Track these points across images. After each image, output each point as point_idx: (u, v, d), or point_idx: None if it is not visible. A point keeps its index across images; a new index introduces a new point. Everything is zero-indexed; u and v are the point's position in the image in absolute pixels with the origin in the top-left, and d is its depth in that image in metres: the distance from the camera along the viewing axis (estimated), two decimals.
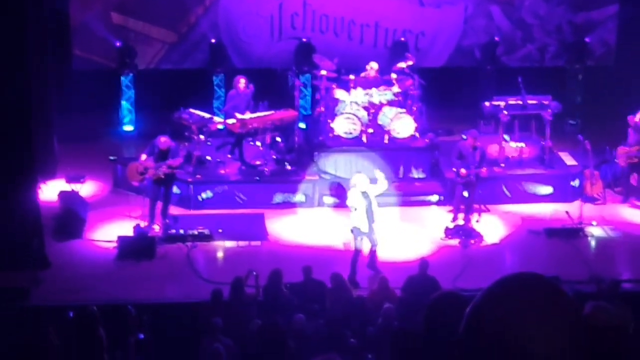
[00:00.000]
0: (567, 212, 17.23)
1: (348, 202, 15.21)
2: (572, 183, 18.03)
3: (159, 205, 16.34)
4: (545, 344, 2.58)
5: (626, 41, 21.92)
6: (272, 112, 18.10)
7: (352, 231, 15.02)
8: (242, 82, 18.28)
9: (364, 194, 14.84)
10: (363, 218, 14.83)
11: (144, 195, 16.38)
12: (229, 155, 18.33)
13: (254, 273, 13.41)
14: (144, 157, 16.24)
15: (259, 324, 11.83)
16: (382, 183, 15.29)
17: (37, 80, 16.71)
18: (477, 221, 16.81)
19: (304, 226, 16.98)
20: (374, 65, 18.78)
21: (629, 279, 14.66)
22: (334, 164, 18.26)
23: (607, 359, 5.27)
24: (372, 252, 15.15)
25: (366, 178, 15.10)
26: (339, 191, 17.47)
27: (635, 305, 12.26)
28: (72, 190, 17.63)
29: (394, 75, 18.79)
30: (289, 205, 17.71)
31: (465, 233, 16.33)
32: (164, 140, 16.18)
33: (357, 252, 15.01)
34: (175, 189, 17.55)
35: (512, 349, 2.59)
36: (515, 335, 2.58)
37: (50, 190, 17.65)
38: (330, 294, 13.21)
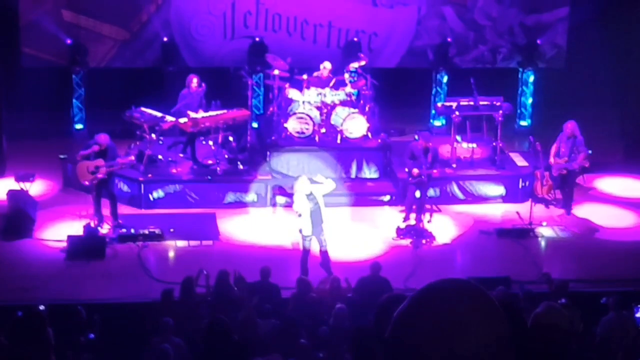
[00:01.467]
0: (517, 213, 17.37)
1: (294, 207, 15.21)
2: (521, 183, 18.16)
3: (106, 204, 16.21)
4: (470, 349, 2.58)
5: (577, 43, 22.12)
6: (225, 111, 18.05)
7: (300, 232, 15.01)
8: (194, 81, 18.20)
9: (309, 196, 14.77)
10: (308, 221, 14.75)
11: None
12: (181, 155, 18.26)
13: (205, 272, 13.36)
14: (83, 156, 16.09)
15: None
16: (328, 184, 15.25)
17: None
18: (429, 221, 16.88)
19: (256, 226, 16.94)
20: (327, 65, 18.78)
21: (577, 279, 14.78)
22: (286, 164, 18.25)
23: (554, 358, 5.31)
24: (323, 253, 15.09)
25: (307, 181, 14.96)
26: (281, 192, 17.50)
27: (584, 305, 12.39)
28: (22, 189, 17.43)
29: (346, 75, 18.82)
30: (240, 204, 17.67)
31: (417, 233, 16.39)
32: (104, 138, 16.06)
33: (306, 252, 14.97)
34: (125, 188, 17.45)
35: (436, 354, 2.59)
36: (440, 341, 2.58)
37: None
38: (295, 298, 13.16)
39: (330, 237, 15.21)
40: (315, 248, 15.11)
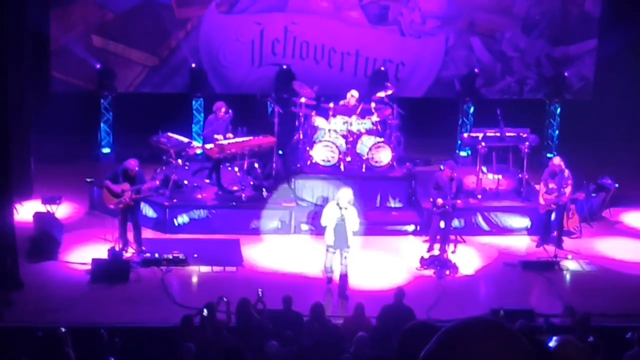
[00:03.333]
0: (543, 246, 17.29)
1: (322, 220, 15.52)
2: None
3: (131, 229, 16.27)
4: None
5: (604, 76, 22.09)
6: (251, 137, 18.10)
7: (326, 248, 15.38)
8: (222, 110, 18.26)
9: (341, 210, 15.07)
10: (331, 232, 15.15)
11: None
12: (207, 180, 18.31)
13: (225, 299, 13.34)
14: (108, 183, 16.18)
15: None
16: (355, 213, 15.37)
17: (15, 100, 16.65)
18: (453, 252, 16.81)
19: (280, 253, 16.94)
20: (354, 94, 18.82)
21: (602, 313, 14.66)
22: (311, 191, 18.25)
23: None
24: (342, 277, 15.24)
25: (350, 195, 15.25)
26: (316, 220, 17.46)
27: (609, 340, 12.28)
28: (48, 211, 17.54)
29: (373, 105, 18.84)
30: (264, 231, 17.66)
31: (440, 263, 16.32)
32: (134, 163, 16.14)
33: (328, 270, 15.48)
34: (151, 213, 17.52)
35: None
36: None
37: (25, 211, 17.56)
38: (309, 323, 13.13)
39: (352, 259, 15.35)
40: (336, 272, 15.26)
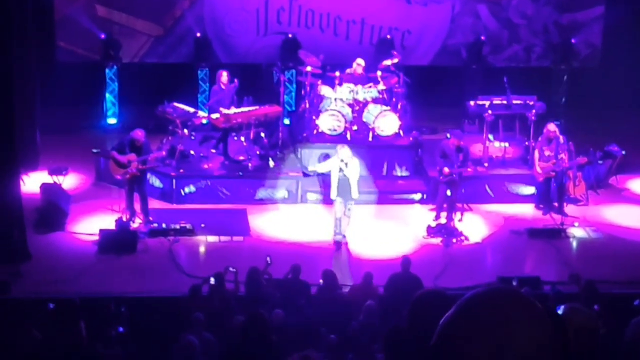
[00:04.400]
0: (550, 213, 17.28)
1: (322, 168, 16.37)
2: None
3: (137, 200, 16.29)
4: (521, 355, 2.57)
5: (611, 43, 21.99)
6: (257, 107, 18.07)
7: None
8: (224, 75, 18.21)
9: (342, 165, 15.64)
10: (334, 185, 15.74)
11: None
12: (213, 150, 18.30)
13: (232, 269, 13.37)
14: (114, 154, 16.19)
15: (242, 319, 11.78)
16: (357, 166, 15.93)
17: (20, 72, 16.61)
18: (460, 220, 16.81)
19: (287, 222, 16.96)
20: (360, 62, 18.75)
21: (609, 280, 14.66)
22: (317, 161, 18.23)
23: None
24: (346, 217, 16.02)
25: (349, 151, 15.78)
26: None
27: (615, 307, 12.30)
28: (55, 182, 17.55)
29: (379, 73, 18.78)
30: (271, 201, 17.69)
31: (447, 232, 16.33)
32: (141, 134, 16.13)
33: (337, 220, 15.96)
34: (157, 183, 17.53)
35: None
36: (490, 347, 2.58)
37: (32, 183, 17.58)
38: (320, 290, 13.17)
39: (355, 210, 16.03)
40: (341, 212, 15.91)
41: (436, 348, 2.69)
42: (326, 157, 17.33)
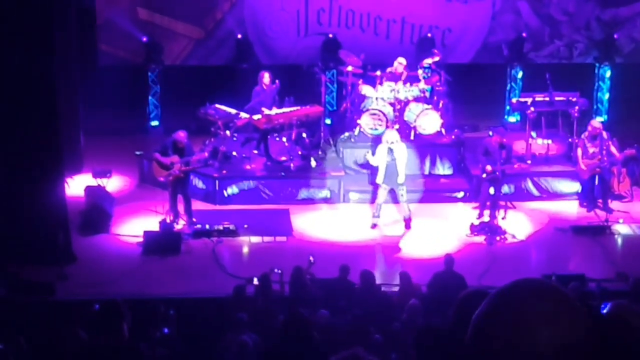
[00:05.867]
0: (594, 210, 17.14)
1: (372, 160, 16.57)
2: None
3: (181, 201, 16.36)
4: (554, 347, 2.56)
5: None
6: (298, 107, 18.10)
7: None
8: (266, 76, 18.29)
9: (390, 150, 16.09)
10: (382, 172, 16.27)
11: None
12: (255, 151, 18.34)
13: (277, 270, 13.39)
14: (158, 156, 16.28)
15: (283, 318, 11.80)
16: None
17: (63, 75, 16.77)
18: (503, 218, 16.71)
19: (329, 222, 16.96)
20: (402, 61, 18.70)
21: None
22: (359, 160, 18.22)
23: (626, 358, 5.23)
24: (405, 214, 16.58)
25: (397, 135, 16.34)
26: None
27: None
28: (99, 185, 17.69)
29: (420, 72, 18.73)
30: (313, 201, 17.70)
31: (490, 230, 16.25)
32: (183, 135, 16.20)
33: (378, 206, 16.61)
34: (200, 184, 17.61)
35: (520, 353, 2.57)
36: (524, 339, 2.57)
37: (76, 185, 17.74)
38: (359, 291, 13.16)
39: (411, 194, 16.71)
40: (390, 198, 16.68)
41: (470, 342, 2.69)
42: (376, 142, 17.32)
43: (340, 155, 18.35)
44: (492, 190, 16.42)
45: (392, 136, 16.30)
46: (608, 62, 21.53)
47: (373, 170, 16.81)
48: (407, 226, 16.60)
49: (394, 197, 16.78)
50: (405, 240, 16.15)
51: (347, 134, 18.58)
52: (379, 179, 16.41)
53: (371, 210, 16.80)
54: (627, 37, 21.85)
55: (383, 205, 16.69)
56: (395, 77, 18.58)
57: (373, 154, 16.69)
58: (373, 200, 17.00)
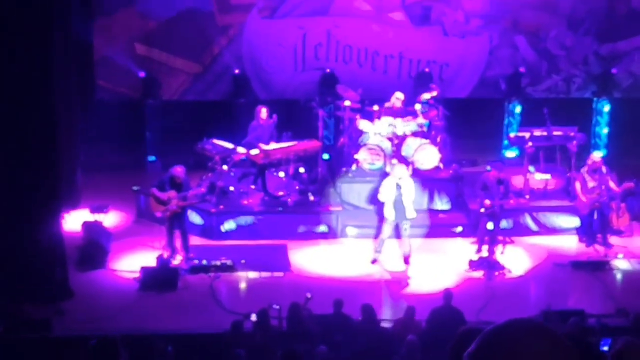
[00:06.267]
0: (593, 245, 17.10)
1: (379, 195, 16.41)
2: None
3: (178, 237, 16.32)
4: None
5: None
6: (296, 142, 18.09)
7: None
8: (263, 111, 18.32)
9: (397, 186, 15.99)
10: (391, 207, 16.09)
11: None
12: (252, 186, 18.31)
13: (276, 306, 13.32)
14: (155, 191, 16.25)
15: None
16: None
17: (62, 110, 16.77)
18: (502, 253, 16.66)
19: (327, 257, 16.91)
20: (399, 96, 18.72)
21: None
22: (357, 195, 18.20)
23: None
24: (403, 240, 16.36)
25: (405, 170, 16.29)
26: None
27: None
28: (96, 220, 17.64)
29: (418, 106, 18.75)
30: (312, 236, 17.65)
31: (489, 265, 16.19)
32: (180, 170, 16.18)
33: (382, 241, 16.52)
34: (198, 219, 17.57)
35: None
36: None
37: (73, 220, 17.70)
38: (360, 324, 13.09)
39: (411, 229, 16.40)
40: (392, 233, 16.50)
41: None
42: (383, 176, 17.28)
43: (338, 190, 18.32)
44: (490, 225, 16.38)
45: (401, 171, 16.22)
46: (606, 96, 21.56)
47: (380, 205, 16.71)
48: (406, 262, 16.48)
49: (396, 232, 16.71)
50: (404, 275, 16.09)
51: (345, 170, 18.56)
52: (389, 215, 16.26)
53: (373, 245, 16.72)
54: (625, 72, 21.89)
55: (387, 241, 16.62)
56: (393, 112, 18.60)
57: (380, 189, 16.62)
58: (377, 235, 16.92)
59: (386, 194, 16.25)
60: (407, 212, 16.12)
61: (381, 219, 16.73)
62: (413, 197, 16.23)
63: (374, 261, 16.54)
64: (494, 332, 2.67)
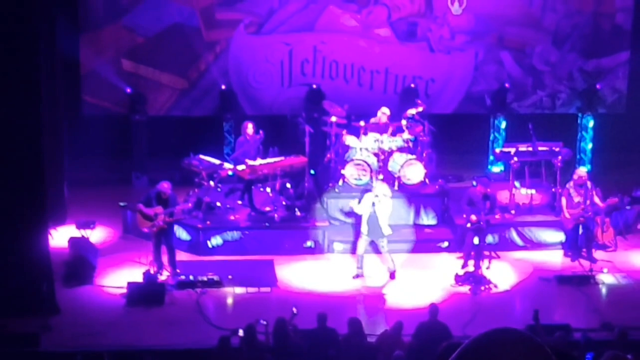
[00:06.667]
0: (578, 260, 17.17)
1: (355, 208, 16.63)
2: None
3: (165, 252, 16.31)
4: None
5: (638, 88, 21.95)
6: (282, 158, 18.13)
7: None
8: (250, 127, 18.34)
9: (374, 202, 16.07)
10: (365, 223, 16.19)
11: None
12: (239, 202, 18.34)
13: (263, 322, 13.33)
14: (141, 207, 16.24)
15: None
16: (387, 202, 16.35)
17: (49, 126, 16.77)
18: (488, 268, 16.73)
19: (314, 272, 16.93)
20: (385, 111, 18.79)
21: (638, 327, 14.50)
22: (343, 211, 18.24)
23: None
24: (382, 255, 16.53)
25: (387, 189, 16.36)
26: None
27: None
28: (82, 236, 17.63)
29: (404, 122, 18.82)
30: (298, 251, 17.67)
31: (475, 280, 16.25)
32: (167, 186, 16.19)
33: (360, 257, 16.53)
34: (184, 235, 17.57)
35: None
36: None
37: (60, 236, 17.68)
38: (347, 339, 13.11)
39: (398, 244, 16.70)
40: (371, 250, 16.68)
41: None
42: (365, 191, 17.33)
43: (324, 206, 18.36)
44: (476, 240, 16.44)
45: (380, 189, 16.29)
46: (591, 112, 21.68)
47: (357, 220, 16.80)
48: (392, 277, 16.53)
49: (375, 249, 16.76)
50: (390, 290, 16.13)
51: (331, 185, 18.60)
52: (362, 228, 16.40)
53: (355, 261, 16.76)
54: (609, 88, 22.04)
55: (366, 256, 16.66)
56: (379, 128, 18.66)
57: (360, 202, 16.69)
58: (354, 251, 16.99)
59: (363, 208, 16.36)
60: (382, 229, 16.20)
61: (357, 233, 16.80)
62: (388, 216, 16.23)
63: (356, 277, 16.55)
64: (477, 340, 2.71)
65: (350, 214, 17.57)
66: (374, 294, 16.09)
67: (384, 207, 16.19)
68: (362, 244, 16.49)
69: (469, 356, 2.67)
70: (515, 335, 2.70)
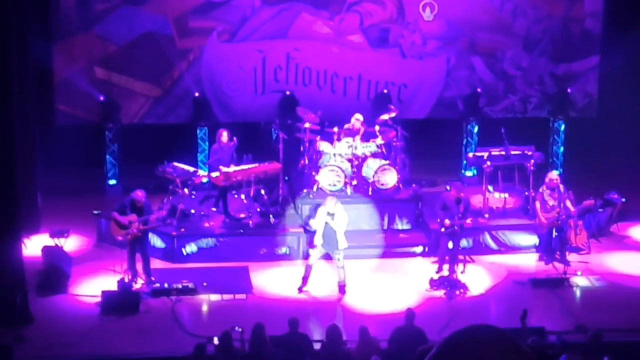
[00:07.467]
0: (552, 263, 17.26)
1: (311, 222, 16.52)
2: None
3: (139, 260, 16.27)
4: None
5: (608, 92, 22.12)
6: (256, 165, 18.14)
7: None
8: (224, 134, 18.33)
9: (329, 216, 15.78)
10: (319, 235, 15.90)
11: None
12: (213, 209, 18.33)
13: (238, 329, 13.31)
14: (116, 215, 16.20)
15: None
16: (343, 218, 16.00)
17: (21, 134, 16.70)
18: (462, 272, 16.80)
19: (289, 279, 16.92)
20: (359, 117, 18.84)
21: (614, 329, 14.61)
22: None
23: None
24: (338, 269, 16.09)
25: (336, 202, 15.89)
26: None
27: (621, 355, 12.24)
28: (56, 245, 17.56)
29: (377, 127, 18.88)
30: (273, 257, 17.67)
31: (450, 284, 16.30)
32: (141, 194, 16.15)
33: (309, 267, 16.22)
34: (159, 243, 17.54)
35: None
36: None
37: (33, 245, 17.59)
38: (325, 346, 13.09)
39: (344, 260, 16.07)
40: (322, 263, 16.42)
41: None
42: (317, 207, 17.33)
43: (299, 212, 18.38)
44: (450, 245, 16.51)
45: (330, 205, 15.85)
46: (562, 116, 21.81)
47: (312, 231, 16.68)
48: (342, 291, 16.19)
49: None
50: (366, 295, 16.14)
51: (306, 191, 18.62)
52: (317, 240, 16.09)
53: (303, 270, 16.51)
54: (580, 92, 22.20)
55: (316, 267, 16.40)
56: (352, 133, 18.71)
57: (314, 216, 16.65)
58: (306, 258, 16.93)
59: (317, 223, 16.14)
60: (338, 243, 15.89)
61: (310, 243, 16.68)
62: (344, 229, 15.95)
63: (300, 288, 16.32)
64: (454, 336, 2.73)
65: (307, 225, 17.51)
66: (351, 299, 16.08)
67: (338, 221, 15.89)
68: (315, 254, 16.23)
69: (448, 352, 2.69)
70: (487, 331, 2.73)
